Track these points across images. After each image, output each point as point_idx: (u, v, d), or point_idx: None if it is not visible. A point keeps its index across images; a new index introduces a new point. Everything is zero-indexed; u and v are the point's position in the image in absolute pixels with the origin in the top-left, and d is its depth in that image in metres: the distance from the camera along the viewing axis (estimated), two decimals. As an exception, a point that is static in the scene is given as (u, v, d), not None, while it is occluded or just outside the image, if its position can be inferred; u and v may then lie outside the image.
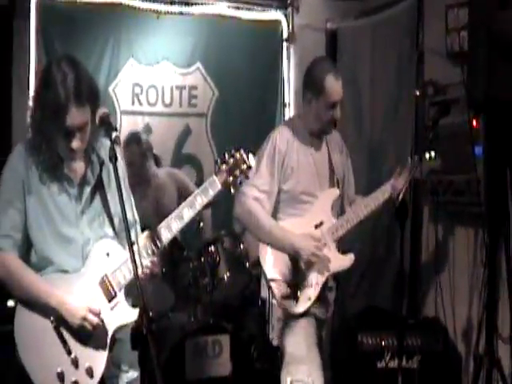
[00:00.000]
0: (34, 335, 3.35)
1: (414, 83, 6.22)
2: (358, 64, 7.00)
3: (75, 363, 3.33)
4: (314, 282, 4.47)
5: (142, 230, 3.62)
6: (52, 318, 3.33)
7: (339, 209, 4.75)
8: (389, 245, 6.43)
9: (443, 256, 5.77)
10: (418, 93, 6.13)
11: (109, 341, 3.39)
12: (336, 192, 4.66)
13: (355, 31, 7.03)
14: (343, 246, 4.63)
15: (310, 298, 4.44)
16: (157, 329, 5.33)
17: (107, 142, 3.29)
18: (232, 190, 3.64)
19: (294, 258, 4.44)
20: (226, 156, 3.62)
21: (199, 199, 3.55)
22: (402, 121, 6.44)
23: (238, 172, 3.60)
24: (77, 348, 3.35)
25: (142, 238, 3.47)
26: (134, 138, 6.30)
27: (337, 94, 4.51)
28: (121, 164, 3.35)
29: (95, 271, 3.43)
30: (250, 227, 4.61)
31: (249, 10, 7.41)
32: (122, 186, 3.27)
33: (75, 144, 3.32)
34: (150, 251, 3.46)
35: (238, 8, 7.36)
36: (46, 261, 3.41)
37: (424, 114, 6.03)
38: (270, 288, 4.47)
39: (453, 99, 5.61)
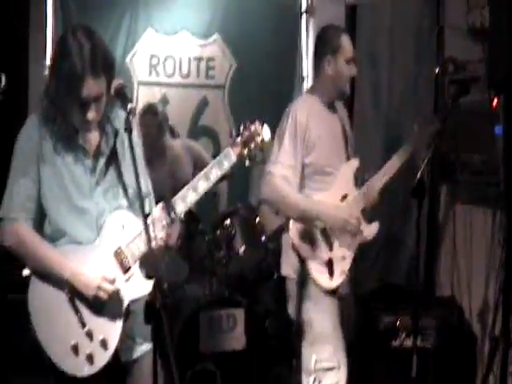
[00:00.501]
0: (47, 307, 3.35)
1: (434, 60, 6.19)
2: (378, 39, 6.90)
3: (89, 335, 3.33)
4: (347, 254, 4.50)
5: (157, 202, 3.60)
6: (66, 290, 3.32)
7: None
8: (405, 223, 6.40)
9: (460, 235, 5.73)
10: (437, 70, 6.09)
11: (123, 313, 3.40)
12: (356, 163, 4.65)
13: (375, 5, 6.93)
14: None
15: (344, 272, 4.47)
16: (171, 301, 5.34)
17: (122, 113, 3.26)
18: (247, 163, 3.65)
19: (326, 231, 4.45)
20: (241, 128, 3.63)
21: (214, 171, 3.54)
22: (420, 98, 6.40)
23: (252, 145, 3.62)
24: (91, 320, 3.35)
25: (156, 210, 3.47)
26: (150, 109, 6.27)
27: (351, 49, 4.58)
28: (136, 135, 3.39)
29: (110, 243, 3.42)
30: (279, 206, 4.58)
31: (269, -20, 7.34)
32: (137, 157, 3.24)
33: (90, 115, 3.31)
34: (164, 223, 3.44)
35: (258, -22, 7.30)
36: (60, 232, 3.40)
37: (443, 91, 5.98)
38: (302, 264, 4.45)
39: (473, 77, 5.53)
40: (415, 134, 4.64)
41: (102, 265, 3.38)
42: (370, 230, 4.62)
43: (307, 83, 7.36)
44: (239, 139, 3.60)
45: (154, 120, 6.21)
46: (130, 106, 3.20)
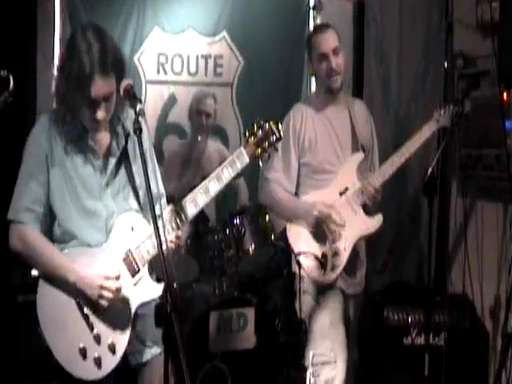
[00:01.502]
0: (56, 310, 3.35)
1: (443, 55, 6.14)
2: (386, 35, 6.86)
3: (97, 339, 3.34)
4: (342, 248, 4.52)
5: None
6: (75, 292, 3.32)
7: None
8: (415, 220, 6.38)
9: (472, 231, 5.69)
10: (446, 65, 6.06)
11: (132, 317, 3.40)
12: (360, 155, 4.70)
13: (383, 1, 6.91)
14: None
15: (338, 266, 4.50)
16: (181, 300, 5.31)
17: (133, 114, 3.24)
18: (261, 163, 3.75)
19: (319, 227, 4.52)
20: (255, 127, 3.61)
21: (226, 172, 3.54)
22: (430, 93, 6.36)
23: (266, 144, 3.61)
24: (99, 324, 3.35)
25: (166, 212, 3.45)
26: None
27: (323, 45, 4.66)
28: (146, 136, 3.34)
29: (119, 245, 3.42)
30: (273, 209, 4.89)
31: (276, -23, 7.31)
32: (148, 159, 3.25)
33: (100, 114, 3.31)
34: (174, 225, 3.45)
35: (265, -25, 7.27)
36: (70, 234, 3.40)
37: (453, 86, 5.95)
38: (298, 262, 4.51)
39: (483, 71, 5.54)
40: (439, 112, 4.74)
41: (109, 268, 3.37)
42: (372, 224, 4.63)
43: (316, 79, 7.34)
44: (253, 139, 3.59)
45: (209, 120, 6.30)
46: (139, 106, 3.19)
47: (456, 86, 5.88)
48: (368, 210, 4.63)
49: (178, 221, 3.46)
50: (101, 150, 3.46)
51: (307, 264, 4.50)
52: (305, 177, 4.69)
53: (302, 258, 4.50)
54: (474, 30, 5.78)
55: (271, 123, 3.63)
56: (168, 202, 3.65)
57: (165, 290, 3.02)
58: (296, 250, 4.54)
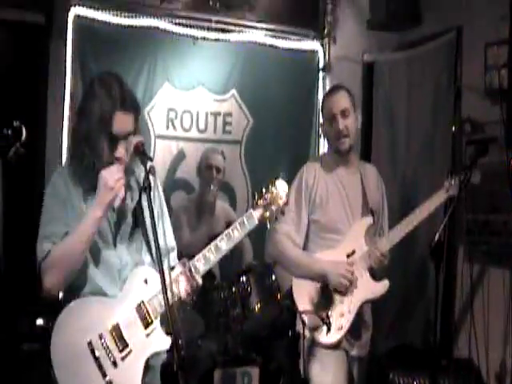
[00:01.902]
0: (70, 356, 3.36)
1: (451, 120, 6.19)
2: (394, 97, 6.97)
3: None
4: (346, 310, 4.49)
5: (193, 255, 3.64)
6: (89, 338, 3.36)
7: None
8: (422, 283, 6.35)
9: (478, 297, 5.69)
10: (454, 129, 6.10)
11: (143, 366, 3.43)
12: (369, 220, 4.68)
13: (392, 64, 7.00)
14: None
15: (341, 328, 4.47)
16: (187, 361, 5.31)
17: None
18: (268, 225, 3.72)
19: (326, 287, 4.49)
20: (264, 190, 3.68)
21: (236, 233, 3.61)
22: (437, 158, 6.39)
23: (274, 207, 3.67)
24: (112, 371, 3.38)
25: (177, 268, 3.50)
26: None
27: (332, 106, 4.68)
28: (157, 192, 3.48)
29: (133, 297, 3.46)
30: (280, 261, 4.81)
31: (285, 39, 7.41)
32: (159, 214, 3.44)
33: (120, 152, 3.38)
34: (185, 281, 3.49)
35: (274, 36, 7.37)
36: (84, 281, 3.44)
37: (461, 151, 5.99)
38: (302, 320, 4.49)
39: (491, 138, 5.58)
40: (449, 181, 4.66)
41: (124, 317, 3.43)
42: (378, 289, 4.60)
43: (324, 141, 7.39)
44: (262, 201, 3.66)
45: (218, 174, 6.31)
46: (149, 164, 3.28)
47: (464, 152, 5.92)
48: (375, 275, 4.62)
49: (190, 278, 3.49)
50: (115, 202, 3.48)
51: (311, 323, 4.48)
52: (313, 234, 4.68)
53: (306, 317, 4.47)
54: (482, 96, 5.84)
55: (278, 187, 3.70)
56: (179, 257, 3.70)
57: (171, 348, 3.09)
58: (301, 308, 4.52)
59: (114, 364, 3.39)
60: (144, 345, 3.42)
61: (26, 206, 4.50)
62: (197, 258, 3.55)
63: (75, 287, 3.45)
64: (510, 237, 5.26)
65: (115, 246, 3.51)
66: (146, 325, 3.45)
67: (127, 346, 3.41)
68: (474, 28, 6.03)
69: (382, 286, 4.59)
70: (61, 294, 3.55)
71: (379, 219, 4.82)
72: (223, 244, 3.58)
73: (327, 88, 7.34)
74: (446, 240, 4.81)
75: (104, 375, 3.36)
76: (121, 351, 3.40)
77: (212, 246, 3.58)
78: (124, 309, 3.44)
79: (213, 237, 5.92)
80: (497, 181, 5.39)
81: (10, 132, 3.90)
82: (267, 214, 3.65)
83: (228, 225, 6.22)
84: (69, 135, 6.18)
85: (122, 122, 3.33)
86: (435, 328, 5.49)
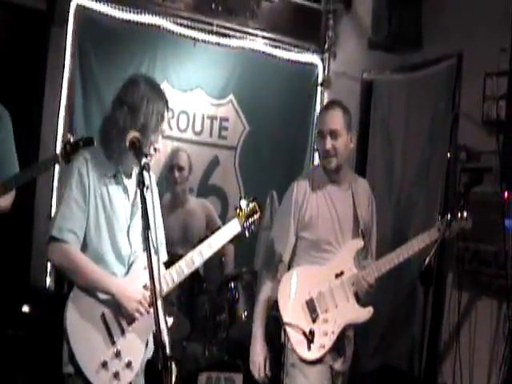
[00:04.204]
0: (83, 324, 3.61)
1: (447, 146, 6.22)
2: (392, 118, 7.01)
3: (118, 355, 3.63)
4: (330, 330, 4.50)
5: (168, 253, 4.05)
6: (102, 311, 3.62)
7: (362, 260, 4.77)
8: (410, 308, 6.38)
9: (465, 325, 5.73)
10: (449, 156, 6.13)
11: (148, 339, 3.76)
12: (360, 243, 4.67)
13: (391, 85, 7.04)
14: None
15: (323, 347, 4.47)
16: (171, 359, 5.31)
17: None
18: (246, 234, 4.10)
19: (311, 301, 4.50)
20: (245, 202, 4.10)
21: (219, 240, 3.97)
22: (432, 181, 6.41)
23: (251, 219, 4.10)
24: (120, 341, 3.66)
25: (162, 268, 3.76)
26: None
27: (324, 124, 4.61)
28: (153, 189, 3.74)
29: (137, 279, 3.72)
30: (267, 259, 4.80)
31: (286, 49, 7.46)
32: (153, 210, 3.59)
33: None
34: (170, 283, 3.79)
35: (275, 46, 7.44)
36: (99, 260, 3.66)
37: (455, 178, 6.02)
38: (285, 331, 4.53)
39: (486, 168, 5.63)
40: (445, 222, 4.66)
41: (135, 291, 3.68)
42: (363, 314, 4.59)
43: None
44: (243, 212, 4.06)
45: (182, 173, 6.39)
46: (144, 161, 3.41)
47: (458, 179, 5.94)
48: (359, 297, 4.61)
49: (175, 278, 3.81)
50: (130, 195, 3.76)
51: (294, 336, 4.49)
52: (301, 250, 4.66)
53: (289, 329, 4.51)
54: (479, 125, 5.85)
55: (255, 203, 4.14)
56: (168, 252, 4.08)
57: (156, 347, 3.35)
58: (285, 319, 4.54)
59: (123, 334, 3.65)
60: (150, 322, 3.54)
61: (17, 190, 4.52)
62: (182, 260, 3.84)
63: None
64: (500, 268, 5.27)
65: (127, 232, 3.74)
66: (149, 304, 3.65)
67: (134, 320, 3.69)
68: (474, 56, 6.07)
69: (367, 312, 4.59)
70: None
71: (367, 239, 4.80)
72: (206, 250, 3.91)
73: (324, 103, 7.40)
74: (436, 266, 4.88)
75: (113, 344, 3.63)
76: (129, 324, 3.68)
77: (196, 250, 3.87)
78: (133, 286, 3.69)
79: (186, 227, 6.11)
80: (489, 211, 5.40)
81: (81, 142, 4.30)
82: (247, 223, 4.07)
83: (207, 221, 6.32)
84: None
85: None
86: (421, 352, 5.55)
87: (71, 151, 4.38)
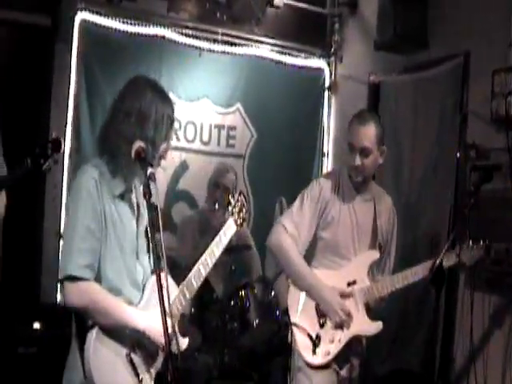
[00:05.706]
0: (110, 368, 3.33)
1: (456, 145, 6.17)
2: (400, 120, 6.95)
3: None
4: (337, 338, 4.44)
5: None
6: (127, 349, 3.37)
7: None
8: (421, 310, 6.28)
9: (478, 325, 5.62)
10: (458, 154, 6.09)
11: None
12: (376, 255, 4.64)
13: (398, 86, 6.99)
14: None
15: (328, 354, 4.42)
16: (182, 369, 5.30)
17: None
18: (239, 228, 4.03)
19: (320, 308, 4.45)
20: (235, 199, 4.09)
21: (220, 245, 3.86)
22: (441, 182, 6.35)
23: (242, 214, 4.07)
24: (146, 376, 3.42)
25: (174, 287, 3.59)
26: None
27: (355, 139, 4.49)
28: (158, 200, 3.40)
29: (152, 304, 3.41)
30: (279, 259, 4.67)
31: (292, 55, 7.44)
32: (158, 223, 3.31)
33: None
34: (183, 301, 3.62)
35: (281, 52, 7.42)
36: (115, 291, 3.38)
37: (465, 177, 5.97)
38: (291, 332, 4.50)
39: (495, 165, 5.56)
40: (467, 250, 4.58)
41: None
42: (371, 328, 4.54)
43: (327, 159, 7.39)
44: (235, 209, 4.04)
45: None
46: (149, 171, 3.20)
47: (468, 178, 5.88)
48: (369, 309, 4.56)
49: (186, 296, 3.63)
50: (135, 208, 3.53)
51: (300, 339, 4.46)
52: (318, 251, 4.61)
53: (296, 331, 4.47)
54: (488, 123, 5.81)
55: (242, 197, 4.12)
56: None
57: (165, 359, 3.15)
58: (293, 319, 4.50)
59: (148, 369, 3.45)
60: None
61: (26, 207, 4.48)
62: (190, 276, 3.67)
63: None
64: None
65: (138, 254, 3.50)
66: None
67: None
68: (481, 54, 6.02)
69: (376, 327, 4.53)
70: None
71: (385, 254, 4.75)
72: (209, 259, 3.76)
73: (332, 108, 7.39)
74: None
75: (140, 381, 3.40)
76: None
77: (200, 263, 3.71)
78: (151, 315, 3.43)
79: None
80: (500, 208, 5.38)
81: (49, 144, 3.96)
82: (239, 219, 4.02)
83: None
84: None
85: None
86: (433, 353, 5.48)
87: (41, 155, 4.14)
